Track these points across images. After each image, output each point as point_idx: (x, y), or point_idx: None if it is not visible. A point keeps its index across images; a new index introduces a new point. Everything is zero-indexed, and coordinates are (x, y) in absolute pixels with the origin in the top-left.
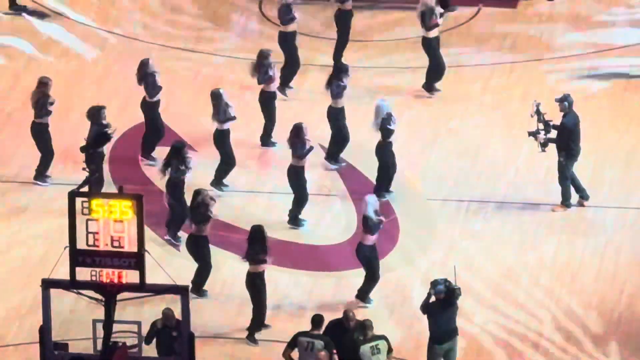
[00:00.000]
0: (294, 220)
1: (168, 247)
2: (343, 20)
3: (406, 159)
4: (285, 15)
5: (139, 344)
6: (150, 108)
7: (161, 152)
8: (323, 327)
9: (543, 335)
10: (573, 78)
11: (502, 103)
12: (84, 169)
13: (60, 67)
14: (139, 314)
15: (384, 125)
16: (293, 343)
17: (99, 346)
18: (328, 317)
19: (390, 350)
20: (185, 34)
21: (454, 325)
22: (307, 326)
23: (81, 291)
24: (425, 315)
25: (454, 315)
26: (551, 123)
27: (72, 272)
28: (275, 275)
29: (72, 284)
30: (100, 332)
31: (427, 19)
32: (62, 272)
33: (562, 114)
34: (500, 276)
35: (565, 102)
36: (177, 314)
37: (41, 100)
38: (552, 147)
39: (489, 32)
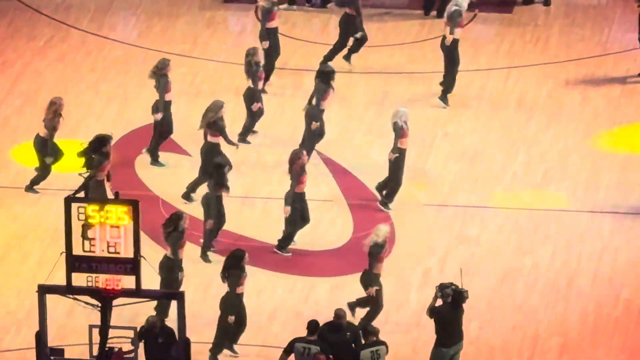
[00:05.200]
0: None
1: (163, 252)
2: (343, 25)
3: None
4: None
5: (135, 350)
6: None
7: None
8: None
9: (539, 339)
10: (569, 83)
11: (498, 108)
12: (80, 174)
13: (57, 71)
14: (135, 319)
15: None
16: (289, 349)
17: (95, 351)
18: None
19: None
20: (180, 39)
21: (460, 329)
22: (303, 332)
23: (77, 297)
24: (433, 319)
25: (461, 319)
26: None
27: (69, 278)
28: (271, 281)
29: (68, 290)
30: (97, 338)
31: (455, 20)
32: (59, 278)
33: None
34: (496, 281)
35: None
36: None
37: (54, 119)
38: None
39: (486, 37)
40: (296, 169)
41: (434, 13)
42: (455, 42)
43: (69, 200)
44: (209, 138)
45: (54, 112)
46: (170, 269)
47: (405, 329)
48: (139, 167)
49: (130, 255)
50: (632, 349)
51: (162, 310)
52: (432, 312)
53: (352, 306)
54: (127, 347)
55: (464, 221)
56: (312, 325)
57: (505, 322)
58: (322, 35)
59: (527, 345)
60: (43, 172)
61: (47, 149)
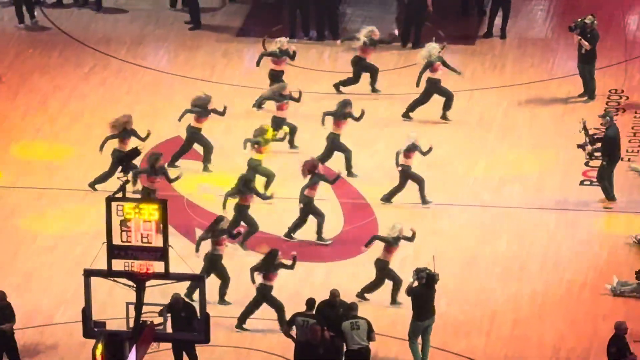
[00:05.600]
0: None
1: (188, 243)
2: (355, 66)
3: (384, 170)
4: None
5: (164, 323)
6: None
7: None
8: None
9: (497, 314)
10: (521, 103)
11: (462, 124)
12: (118, 178)
13: (99, 94)
14: (164, 297)
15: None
16: (292, 322)
17: (131, 324)
18: (319, 300)
19: (371, 330)
20: (200, 67)
21: (432, 306)
22: (302, 308)
23: (116, 279)
24: (410, 298)
25: (433, 298)
26: (595, 136)
27: (109, 263)
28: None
29: (109, 273)
30: (132, 313)
31: (427, 68)
32: (101, 264)
33: (605, 127)
34: (461, 266)
35: (607, 117)
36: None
37: (125, 132)
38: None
39: (453, 65)
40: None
41: (409, 45)
42: (435, 81)
43: (109, 200)
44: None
45: (124, 125)
46: (213, 262)
47: (385, 305)
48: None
49: (160, 244)
50: (572, 321)
51: (190, 291)
52: (410, 292)
53: (361, 294)
54: (157, 320)
55: (434, 217)
56: (310, 303)
57: (468, 301)
58: (317, 64)
59: (487, 319)
60: (107, 174)
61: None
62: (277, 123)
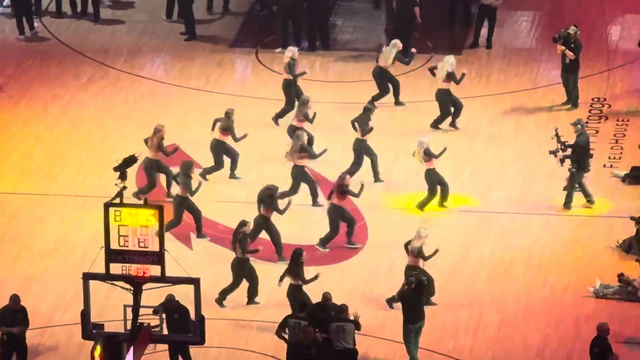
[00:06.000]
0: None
1: (183, 247)
2: (377, 78)
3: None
4: (292, 68)
5: (160, 325)
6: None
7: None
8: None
9: (482, 316)
10: (506, 111)
11: (450, 131)
12: (116, 184)
13: (97, 103)
14: (161, 300)
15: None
16: (284, 324)
17: (129, 326)
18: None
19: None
20: (196, 77)
21: (422, 309)
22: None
23: (114, 282)
24: (401, 302)
25: (422, 302)
26: (567, 143)
27: (107, 267)
28: (269, 270)
29: (107, 277)
30: (129, 315)
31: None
32: (99, 267)
33: (576, 134)
34: (448, 269)
35: (578, 125)
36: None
37: (160, 143)
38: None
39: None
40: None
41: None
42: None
43: (107, 206)
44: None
45: (159, 137)
46: (242, 265)
47: (374, 307)
48: (163, 179)
49: (156, 249)
50: (556, 322)
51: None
52: (401, 296)
53: (390, 301)
54: (154, 322)
55: (422, 221)
56: (302, 305)
57: (455, 303)
58: (309, 74)
59: (473, 321)
60: (149, 186)
61: (154, 168)
62: (295, 131)
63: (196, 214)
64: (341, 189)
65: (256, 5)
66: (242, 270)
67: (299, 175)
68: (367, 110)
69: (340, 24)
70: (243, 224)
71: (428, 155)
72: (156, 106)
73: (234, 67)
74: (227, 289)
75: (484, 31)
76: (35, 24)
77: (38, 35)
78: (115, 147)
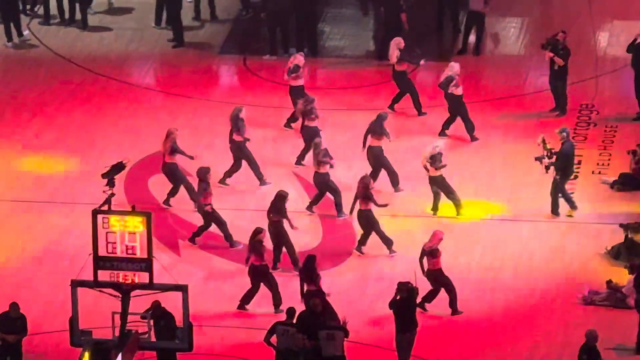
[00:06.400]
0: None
1: (171, 254)
2: (398, 81)
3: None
4: (294, 72)
5: (149, 332)
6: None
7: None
8: (295, 317)
9: (472, 322)
10: (495, 117)
11: (437, 137)
12: (104, 191)
13: (85, 110)
14: (149, 307)
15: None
16: (272, 330)
17: (117, 333)
18: (299, 309)
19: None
20: (183, 84)
21: (414, 318)
22: (283, 317)
23: (102, 289)
24: (392, 311)
25: (414, 310)
26: (553, 150)
27: (95, 274)
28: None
29: (95, 284)
30: (118, 322)
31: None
32: (88, 274)
33: (561, 142)
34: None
35: (563, 132)
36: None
37: (173, 146)
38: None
39: (428, 81)
40: (360, 191)
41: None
42: (458, 97)
43: (95, 213)
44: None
45: (172, 140)
46: (264, 273)
47: (363, 314)
48: (151, 186)
49: (144, 255)
50: (544, 329)
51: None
52: (393, 305)
53: (421, 305)
54: (142, 329)
55: (411, 228)
56: (290, 312)
57: (444, 310)
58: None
59: (462, 327)
60: (174, 190)
61: (173, 170)
62: (310, 133)
63: (221, 224)
64: (365, 194)
65: (243, 11)
66: (261, 278)
67: (325, 183)
68: (380, 118)
69: (329, 31)
70: (258, 231)
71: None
72: (144, 113)
73: (221, 74)
74: (274, 296)
75: (472, 37)
76: (26, 32)
77: (26, 42)
78: (103, 154)
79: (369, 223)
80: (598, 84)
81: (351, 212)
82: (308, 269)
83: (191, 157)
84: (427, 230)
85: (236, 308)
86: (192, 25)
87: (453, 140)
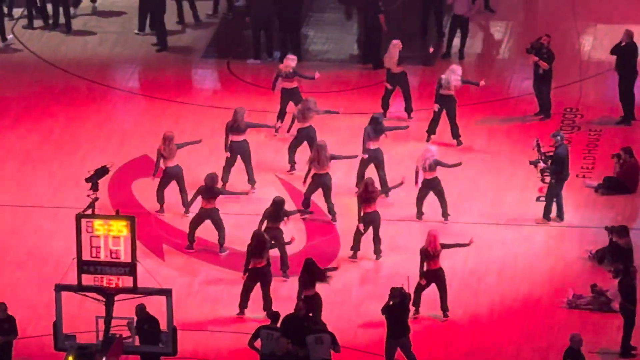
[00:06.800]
0: None
1: (155, 258)
2: (400, 82)
3: (346, 187)
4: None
5: (132, 336)
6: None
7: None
8: (279, 322)
9: (457, 325)
10: (479, 121)
11: (422, 141)
12: (88, 195)
13: (69, 114)
14: (133, 311)
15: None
16: (256, 334)
17: (101, 337)
18: (283, 313)
19: (336, 344)
20: (167, 87)
21: (406, 324)
22: (267, 321)
23: (86, 293)
24: (384, 316)
25: (407, 316)
26: (547, 154)
27: (79, 278)
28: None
29: (79, 288)
30: (102, 326)
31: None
32: (71, 278)
33: (555, 146)
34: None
35: (558, 136)
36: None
37: (177, 145)
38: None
39: (413, 85)
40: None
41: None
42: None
43: (79, 217)
44: None
45: (170, 141)
46: (264, 274)
47: (347, 318)
48: (135, 190)
49: (128, 260)
50: (528, 333)
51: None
52: (385, 310)
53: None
54: (126, 334)
55: (396, 232)
56: (274, 316)
57: (430, 313)
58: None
59: (447, 330)
60: (184, 194)
61: (179, 173)
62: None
63: (220, 228)
64: (367, 196)
65: (228, 14)
66: (261, 278)
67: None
68: (375, 120)
69: (312, 35)
70: (258, 234)
71: (437, 164)
72: (128, 117)
73: (205, 77)
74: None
75: (456, 41)
76: (10, 37)
77: (10, 46)
78: (87, 158)
79: (374, 225)
80: (582, 87)
81: (359, 220)
82: (310, 272)
83: (199, 141)
84: (411, 234)
85: (236, 314)
86: (175, 29)
87: (436, 144)
